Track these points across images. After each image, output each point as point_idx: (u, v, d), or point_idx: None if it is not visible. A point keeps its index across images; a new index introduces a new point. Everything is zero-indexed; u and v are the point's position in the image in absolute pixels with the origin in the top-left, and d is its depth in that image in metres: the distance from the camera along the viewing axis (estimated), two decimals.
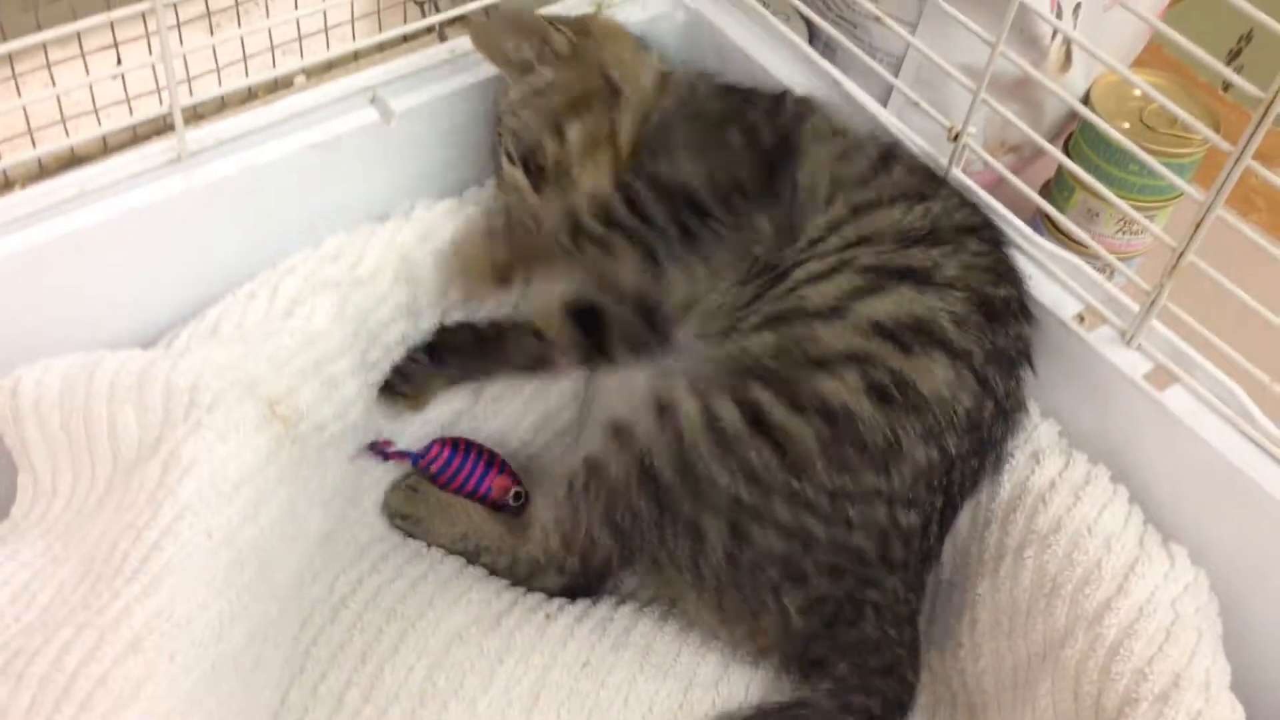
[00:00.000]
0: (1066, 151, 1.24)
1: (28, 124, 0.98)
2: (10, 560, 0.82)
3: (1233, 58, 2.11)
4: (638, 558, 0.92)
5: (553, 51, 0.98)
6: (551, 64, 0.99)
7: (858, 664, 0.89)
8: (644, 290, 0.93)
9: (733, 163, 0.96)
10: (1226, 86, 0.80)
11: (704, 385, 0.89)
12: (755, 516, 0.86)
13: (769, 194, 0.95)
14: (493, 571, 0.99)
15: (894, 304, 0.87)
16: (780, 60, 1.09)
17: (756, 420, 0.86)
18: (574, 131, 0.99)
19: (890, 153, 0.98)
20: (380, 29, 1.11)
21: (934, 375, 0.85)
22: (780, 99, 1.01)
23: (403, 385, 0.98)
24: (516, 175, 1.01)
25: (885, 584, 0.89)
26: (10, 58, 0.88)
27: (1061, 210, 1.23)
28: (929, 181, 0.96)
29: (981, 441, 0.88)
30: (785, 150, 0.96)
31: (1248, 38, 2.08)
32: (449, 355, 0.99)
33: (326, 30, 1.09)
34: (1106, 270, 1.08)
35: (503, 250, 0.99)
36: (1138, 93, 1.16)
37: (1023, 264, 0.95)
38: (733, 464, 0.86)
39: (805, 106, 1.01)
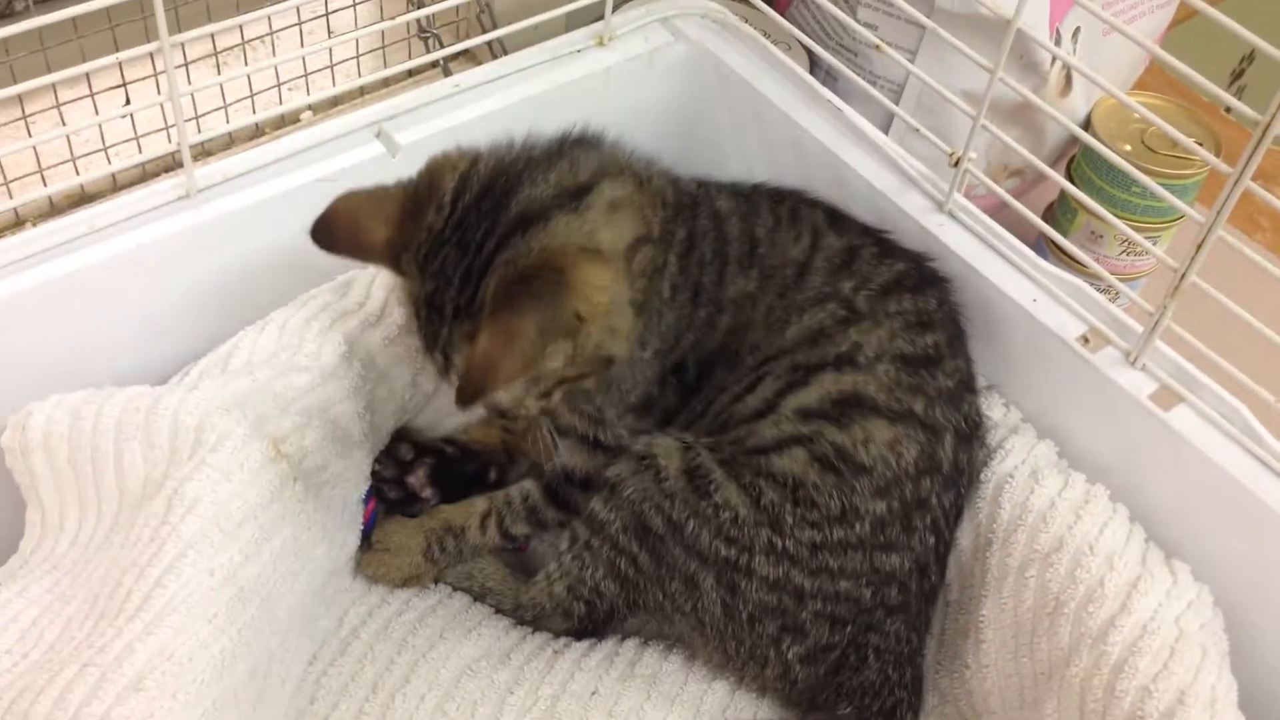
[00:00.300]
0: (1069, 173, 1.24)
1: (38, 163, 1.00)
2: (19, 597, 0.83)
3: (1235, 78, 2.11)
4: (644, 605, 0.94)
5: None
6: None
7: (860, 707, 0.91)
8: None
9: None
10: (1227, 109, 0.81)
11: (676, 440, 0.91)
12: (739, 571, 0.88)
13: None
14: (498, 611, 1.00)
15: (818, 391, 0.89)
16: (782, 90, 1.10)
17: (725, 473, 0.89)
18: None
19: (808, 253, 0.93)
20: (385, 64, 1.12)
21: (875, 439, 0.88)
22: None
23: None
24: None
25: (885, 628, 0.90)
26: (20, 98, 0.89)
27: (1065, 232, 1.23)
28: (842, 268, 0.92)
29: (947, 476, 0.90)
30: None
31: (1250, 58, 2.08)
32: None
33: (332, 67, 1.10)
34: (1110, 292, 1.08)
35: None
36: (1139, 115, 1.16)
37: (1021, 288, 0.95)
38: (708, 512, 0.88)
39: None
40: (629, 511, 0.90)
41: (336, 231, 0.82)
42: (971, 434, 0.92)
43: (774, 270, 0.93)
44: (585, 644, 0.96)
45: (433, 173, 0.84)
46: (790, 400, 0.90)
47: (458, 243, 0.81)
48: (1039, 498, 0.88)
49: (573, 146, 0.88)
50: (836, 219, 0.98)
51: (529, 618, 0.98)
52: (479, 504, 0.99)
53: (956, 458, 0.91)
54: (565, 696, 0.91)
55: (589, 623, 0.96)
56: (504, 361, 0.76)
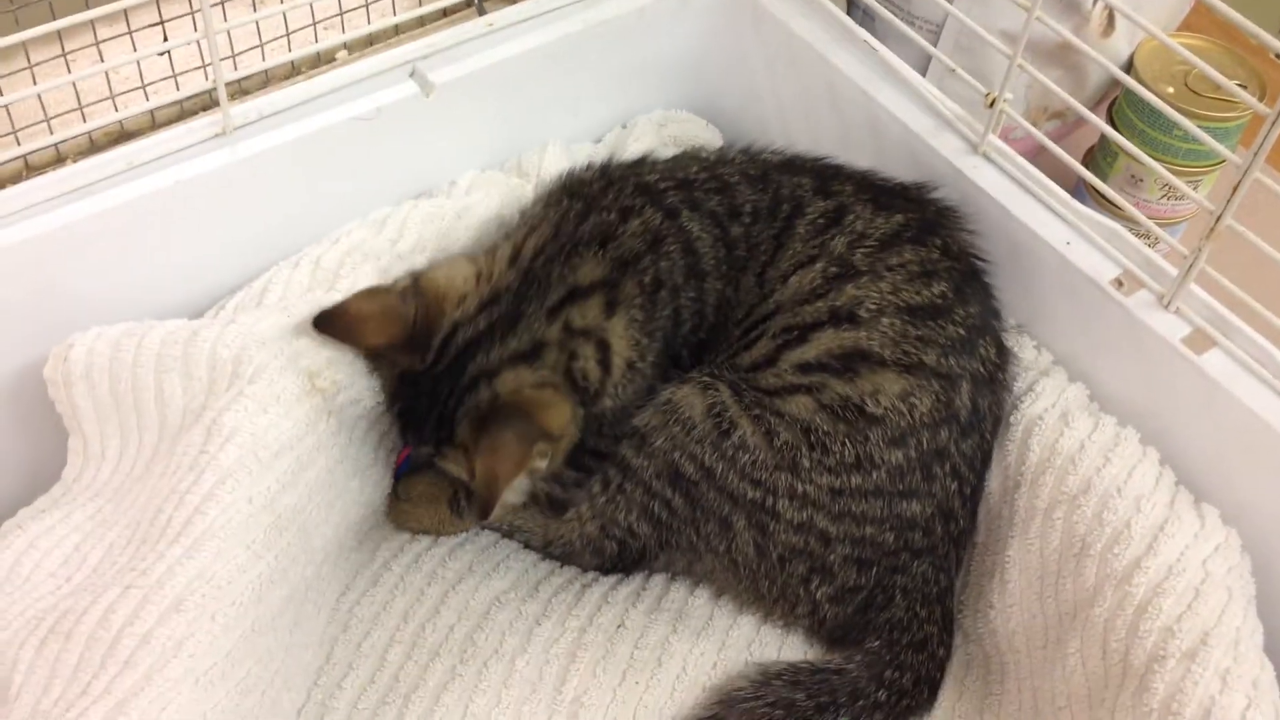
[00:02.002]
0: (1110, 115, 1.23)
1: (78, 100, 1.01)
2: (63, 523, 0.85)
3: None
4: (676, 545, 0.95)
5: None
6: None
7: (890, 641, 0.92)
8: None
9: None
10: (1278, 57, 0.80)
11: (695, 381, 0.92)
12: (766, 512, 0.89)
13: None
14: (527, 547, 1.01)
15: (817, 347, 0.90)
16: (816, 30, 1.09)
17: (742, 408, 0.89)
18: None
19: (789, 220, 0.95)
20: (420, 3, 1.12)
21: (885, 391, 0.88)
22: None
23: None
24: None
25: (912, 569, 0.91)
26: (60, 35, 0.90)
27: (1105, 175, 1.22)
28: (830, 225, 0.93)
29: (965, 423, 0.90)
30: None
31: None
32: None
33: (368, 5, 1.11)
34: (1150, 237, 1.07)
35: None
36: (1181, 57, 1.15)
37: (1055, 230, 0.95)
38: (732, 455, 0.89)
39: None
40: (661, 460, 0.91)
41: (340, 325, 0.88)
42: (991, 377, 0.92)
43: (747, 260, 0.94)
44: (613, 579, 0.98)
45: (431, 309, 0.89)
46: (789, 356, 0.90)
47: (430, 392, 0.89)
48: (1068, 440, 0.88)
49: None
50: (827, 180, 0.97)
51: (557, 554, 1.00)
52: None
53: (975, 404, 0.90)
54: (592, 628, 0.93)
55: (620, 561, 0.97)
56: (501, 469, 0.85)
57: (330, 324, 0.88)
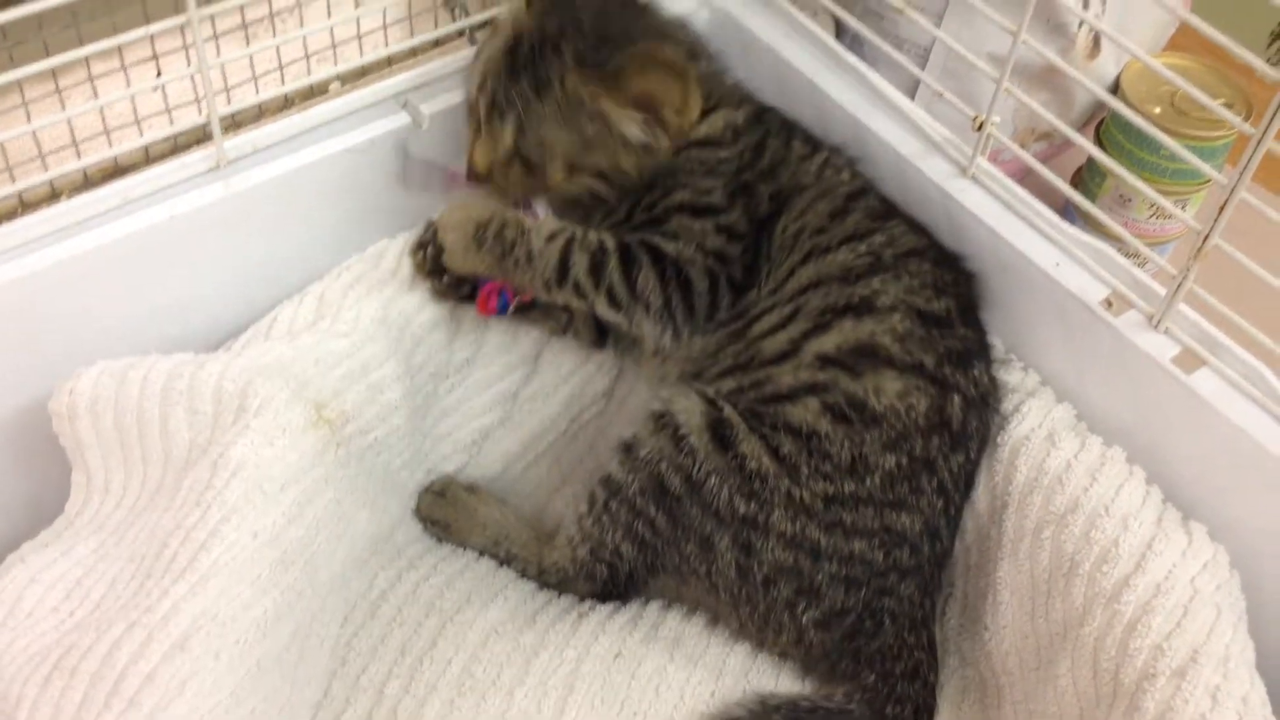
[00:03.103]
0: (1098, 135, 1.24)
1: (72, 136, 1.01)
2: (65, 557, 0.85)
3: (1276, 38, 2.08)
4: (662, 567, 0.95)
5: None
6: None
7: (884, 673, 0.92)
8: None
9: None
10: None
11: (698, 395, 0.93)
12: (757, 528, 0.90)
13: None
14: (524, 575, 1.02)
15: (838, 336, 0.92)
16: (806, 55, 1.10)
17: (748, 427, 0.91)
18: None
19: (856, 194, 1.00)
20: (412, 34, 1.12)
21: (885, 390, 0.90)
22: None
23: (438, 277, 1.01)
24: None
25: (899, 591, 0.92)
26: (54, 73, 0.91)
27: (1094, 195, 1.23)
28: (879, 219, 0.99)
29: (955, 436, 0.91)
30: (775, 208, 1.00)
31: None
32: None
33: (360, 38, 1.11)
34: (1137, 256, 1.07)
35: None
36: (1172, 72, 1.15)
37: (1044, 251, 0.96)
38: (732, 465, 0.89)
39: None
40: (646, 473, 0.91)
41: None
42: (981, 400, 0.93)
43: (827, 188, 1.00)
44: (609, 607, 0.98)
45: None
46: (812, 345, 0.92)
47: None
48: (1055, 460, 0.89)
49: None
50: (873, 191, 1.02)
51: (553, 582, 1.00)
52: (553, 222, 0.99)
53: (965, 419, 0.92)
54: (589, 658, 0.93)
55: (612, 585, 0.98)
56: (662, 93, 0.94)
57: None
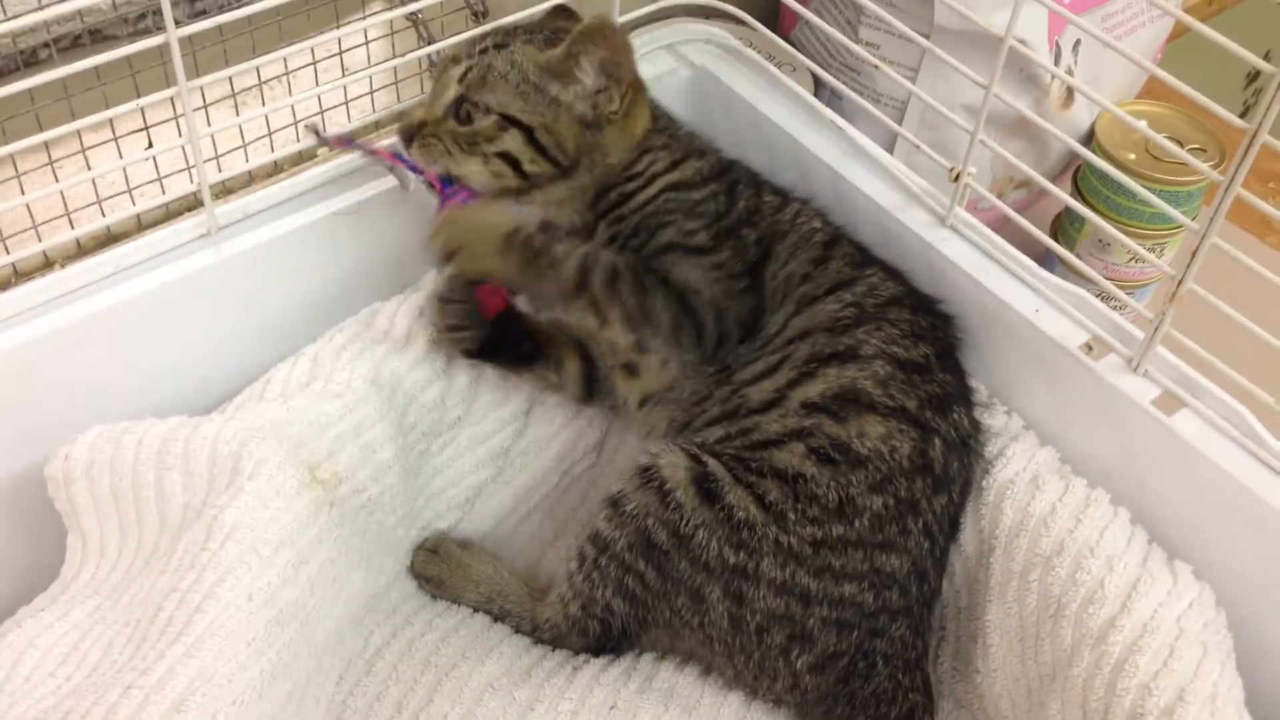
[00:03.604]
0: (1076, 181, 1.26)
1: (65, 206, 1.03)
2: (61, 621, 0.86)
3: (1251, 80, 2.11)
4: (654, 622, 0.95)
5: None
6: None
7: (878, 716, 0.93)
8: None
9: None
10: (1244, 112, 0.81)
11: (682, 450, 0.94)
12: (747, 578, 0.90)
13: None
14: (518, 631, 1.02)
15: (823, 384, 0.94)
16: (785, 111, 1.12)
17: (733, 478, 0.92)
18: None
19: (832, 241, 1.02)
20: (399, 99, 1.14)
21: (869, 434, 0.91)
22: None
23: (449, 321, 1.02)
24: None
25: (891, 633, 0.92)
26: (47, 145, 0.92)
27: (1074, 239, 1.25)
28: (858, 266, 1.00)
29: (938, 479, 0.92)
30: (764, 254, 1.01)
31: (1267, 58, 2.08)
32: (490, 348, 1.03)
33: (347, 103, 1.13)
34: (1116, 302, 1.09)
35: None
36: (1144, 122, 1.18)
37: (1023, 298, 0.98)
38: (719, 516, 0.90)
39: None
40: (633, 528, 0.92)
41: None
42: (962, 443, 0.95)
43: (803, 236, 1.01)
44: (603, 659, 0.98)
45: None
46: (798, 393, 0.94)
47: None
48: (1040, 503, 0.90)
49: None
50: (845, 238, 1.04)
51: (547, 638, 1.00)
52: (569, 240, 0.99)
53: (947, 462, 0.93)
54: (584, 711, 0.93)
55: (605, 640, 0.98)
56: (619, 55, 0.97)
57: None
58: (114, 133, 1.03)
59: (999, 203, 1.02)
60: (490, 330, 1.02)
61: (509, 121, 0.98)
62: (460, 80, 0.99)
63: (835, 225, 1.04)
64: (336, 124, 1.11)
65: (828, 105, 1.12)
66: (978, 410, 0.98)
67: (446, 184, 1.01)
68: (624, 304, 0.95)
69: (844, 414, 0.92)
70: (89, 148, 1.03)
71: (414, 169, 1.02)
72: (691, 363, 0.98)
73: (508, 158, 0.99)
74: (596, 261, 0.95)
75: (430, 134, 0.99)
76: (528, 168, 0.99)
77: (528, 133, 0.98)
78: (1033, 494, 0.91)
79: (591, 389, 1.08)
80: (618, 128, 1.01)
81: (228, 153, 1.09)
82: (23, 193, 0.96)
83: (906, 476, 0.91)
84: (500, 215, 0.97)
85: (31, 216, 1.01)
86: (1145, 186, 0.96)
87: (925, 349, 0.96)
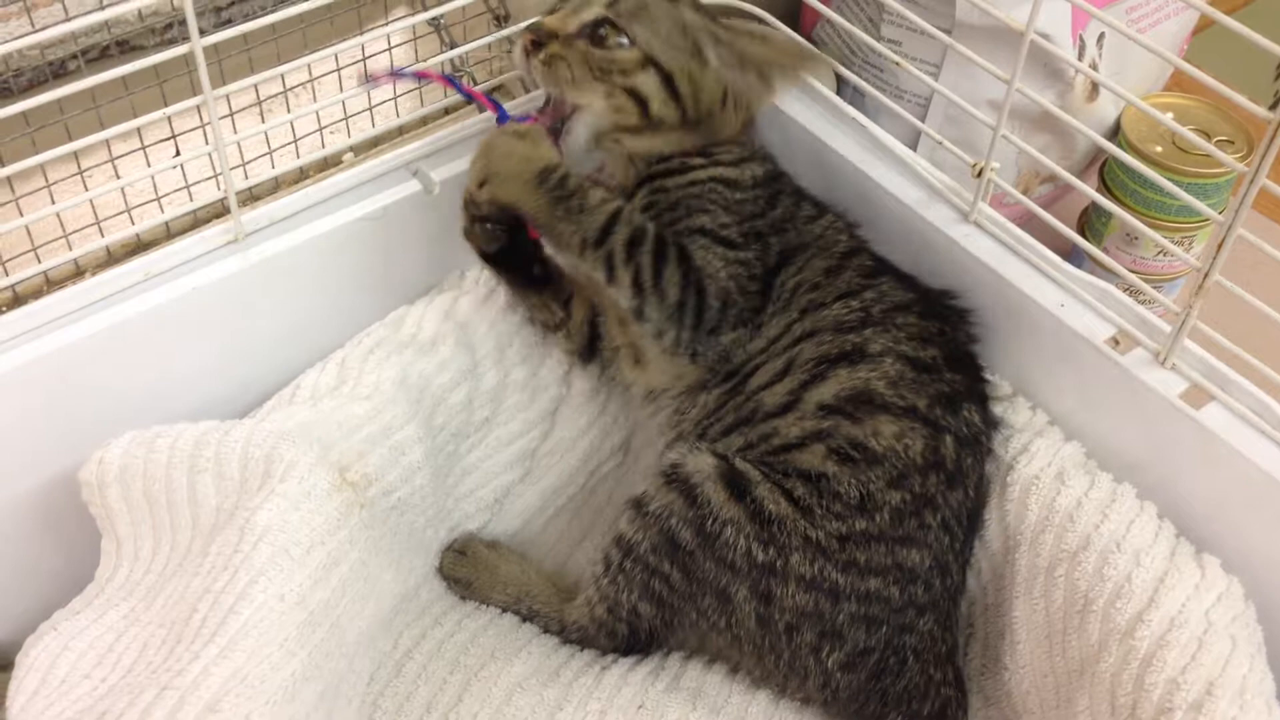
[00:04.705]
0: (1102, 174, 1.25)
1: (95, 215, 1.04)
2: (96, 623, 0.87)
3: None
4: (680, 624, 0.96)
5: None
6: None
7: (911, 713, 0.93)
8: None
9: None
10: (1275, 104, 0.80)
11: (709, 452, 0.94)
12: (775, 575, 0.90)
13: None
14: (546, 632, 1.02)
15: (835, 385, 0.94)
16: (807, 110, 1.12)
17: (762, 474, 0.92)
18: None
19: (850, 252, 1.02)
20: (422, 104, 1.15)
21: (883, 433, 0.92)
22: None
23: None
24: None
25: (919, 627, 0.92)
26: (77, 155, 0.93)
27: (1102, 233, 1.24)
28: (870, 276, 1.00)
29: (951, 475, 0.92)
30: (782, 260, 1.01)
31: None
32: (501, 259, 1.03)
33: (371, 109, 1.14)
34: (1143, 296, 1.09)
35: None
36: (1170, 114, 1.17)
37: (1048, 293, 0.97)
38: (749, 511, 0.90)
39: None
40: (656, 529, 0.92)
41: None
42: (974, 440, 0.95)
43: (824, 247, 1.02)
44: (631, 659, 0.99)
45: None
46: (812, 395, 0.94)
47: None
48: (1065, 498, 0.90)
49: None
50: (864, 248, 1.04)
51: (575, 639, 1.01)
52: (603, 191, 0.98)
53: (959, 458, 0.93)
54: (612, 711, 0.93)
55: (633, 641, 0.98)
56: None
57: None
58: (142, 142, 1.04)
59: (1022, 197, 1.02)
60: (510, 239, 1.01)
61: (651, 62, 0.98)
62: (608, 4, 0.98)
63: (861, 239, 1.04)
64: (360, 130, 1.12)
65: (850, 103, 1.12)
66: (995, 406, 0.98)
67: (500, 106, 1.02)
68: (638, 268, 0.94)
69: (859, 414, 0.92)
70: (117, 157, 1.05)
71: (465, 93, 1.03)
72: (685, 341, 0.97)
73: (636, 95, 0.99)
74: (626, 219, 0.95)
75: (558, 52, 0.98)
76: (657, 109, 1.00)
77: (667, 79, 0.99)
78: (1058, 489, 0.91)
79: (592, 348, 1.08)
80: (742, 112, 1.04)
81: (254, 160, 1.10)
82: (53, 202, 0.98)
83: (920, 473, 0.91)
84: (540, 150, 0.96)
85: (62, 225, 1.02)
86: (1172, 179, 0.96)
87: (933, 351, 0.96)
